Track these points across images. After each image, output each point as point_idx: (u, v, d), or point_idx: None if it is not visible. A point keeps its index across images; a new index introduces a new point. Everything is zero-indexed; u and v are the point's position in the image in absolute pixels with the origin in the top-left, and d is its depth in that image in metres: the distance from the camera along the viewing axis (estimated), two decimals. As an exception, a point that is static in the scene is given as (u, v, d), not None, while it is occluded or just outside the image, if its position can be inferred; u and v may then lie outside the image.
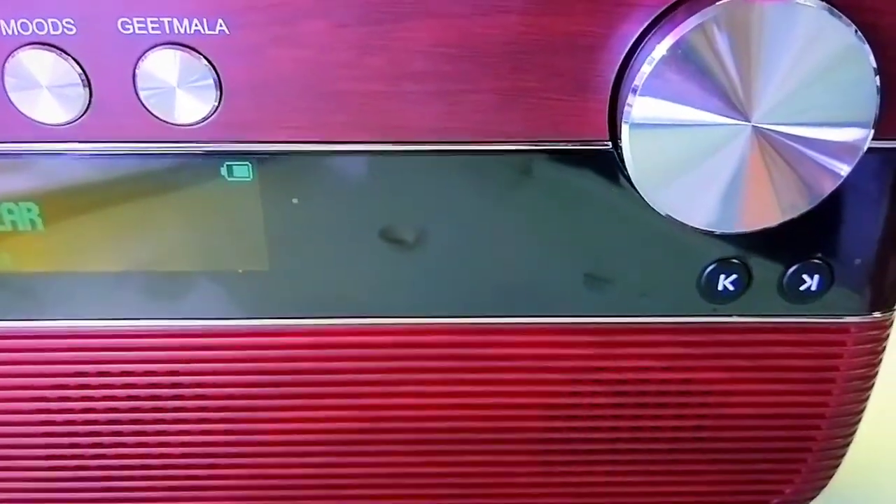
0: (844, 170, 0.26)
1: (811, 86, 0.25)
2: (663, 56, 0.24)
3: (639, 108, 0.25)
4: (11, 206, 0.28)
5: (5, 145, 0.27)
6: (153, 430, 0.32)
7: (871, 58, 0.25)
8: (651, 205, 0.27)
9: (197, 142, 0.27)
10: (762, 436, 0.32)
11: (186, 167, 0.27)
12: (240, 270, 0.29)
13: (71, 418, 0.31)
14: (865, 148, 0.25)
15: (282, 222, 0.28)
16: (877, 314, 0.30)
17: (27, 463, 0.32)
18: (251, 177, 0.27)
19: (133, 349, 0.30)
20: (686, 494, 0.33)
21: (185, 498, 0.33)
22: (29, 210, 0.28)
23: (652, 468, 0.33)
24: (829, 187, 0.26)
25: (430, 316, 0.30)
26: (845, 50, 0.24)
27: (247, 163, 0.27)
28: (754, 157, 0.25)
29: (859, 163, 0.26)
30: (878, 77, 0.25)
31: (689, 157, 0.25)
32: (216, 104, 0.26)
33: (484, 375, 0.31)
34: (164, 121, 0.26)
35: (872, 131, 0.25)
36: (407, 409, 0.31)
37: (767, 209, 0.26)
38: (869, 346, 0.31)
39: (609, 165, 0.27)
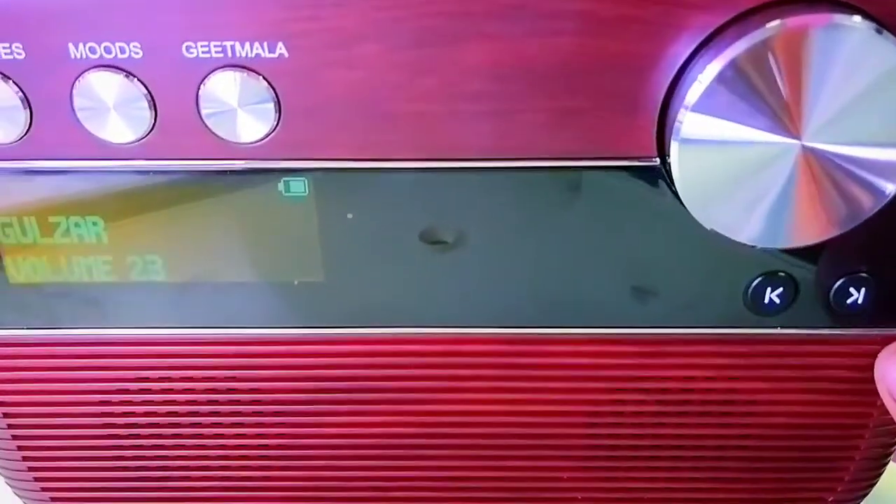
0: (890, 189, 0.26)
1: (860, 106, 0.25)
2: (714, 76, 0.25)
3: (688, 125, 0.25)
4: (78, 219, 0.29)
5: (74, 163, 0.28)
6: (211, 433, 0.33)
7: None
8: (698, 220, 0.27)
9: (255, 159, 0.28)
10: (805, 445, 0.33)
11: (245, 183, 0.28)
12: (295, 282, 0.30)
13: (133, 421, 0.33)
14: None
15: (336, 235, 0.29)
16: (923, 325, 0.31)
17: (91, 464, 0.34)
18: (307, 192, 0.28)
19: (192, 356, 0.31)
20: (728, 501, 0.34)
21: (240, 498, 0.34)
22: (94, 224, 0.29)
23: (694, 475, 0.33)
24: (875, 206, 0.26)
25: (479, 326, 0.31)
26: (894, 70, 0.25)
27: (303, 179, 0.28)
28: (802, 175, 0.25)
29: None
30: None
31: (737, 175, 0.26)
32: (275, 124, 0.27)
33: (530, 384, 0.31)
34: (226, 140, 0.27)
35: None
36: (455, 416, 0.32)
37: (813, 226, 0.26)
38: (914, 357, 0.31)
39: (657, 181, 0.27)
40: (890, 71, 0.25)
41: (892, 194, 0.26)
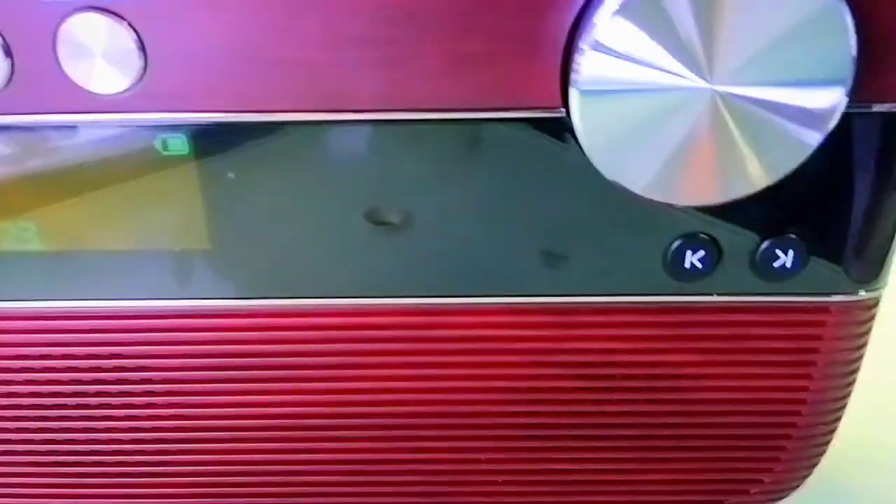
0: (815, 138, 0.24)
1: (780, 45, 0.22)
2: (615, 12, 0.22)
3: (588, 69, 0.23)
4: (-62, 183, 0.27)
5: (-73, 118, 0.25)
6: (100, 415, 0.31)
7: (848, 15, 0.23)
8: (605, 175, 0.25)
9: (126, 112, 0.25)
10: (738, 422, 0.30)
11: (118, 141, 0.26)
12: (178, 249, 0.27)
13: (15, 402, 0.30)
14: (838, 115, 0.23)
15: (222, 198, 0.27)
16: (862, 293, 0.28)
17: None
18: (188, 150, 0.26)
19: (73, 331, 0.29)
20: (658, 483, 0.32)
21: (137, 484, 0.32)
22: (-41, 187, 0.27)
23: (622, 455, 0.31)
24: (797, 159, 0.24)
25: (380, 296, 0.28)
26: (820, 6, 0.22)
27: (181, 135, 0.26)
28: (715, 123, 0.23)
29: (835, 129, 0.24)
30: (855, 35, 0.23)
31: (644, 124, 0.23)
32: (141, 72, 0.24)
33: (440, 358, 0.29)
34: (89, 91, 0.25)
35: (847, 96, 0.23)
36: (359, 394, 0.30)
37: (729, 182, 0.24)
38: (852, 327, 0.29)
39: (563, 134, 0.25)
40: (815, 6, 0.22)
41: (816, 145, 0.24)
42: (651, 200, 0.25)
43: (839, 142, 0.25)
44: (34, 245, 0.28)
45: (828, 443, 0.32)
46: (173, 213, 0.27)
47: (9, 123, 0.25)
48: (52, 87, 0.24)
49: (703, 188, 0.24)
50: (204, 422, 0.30)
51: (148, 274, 0.28)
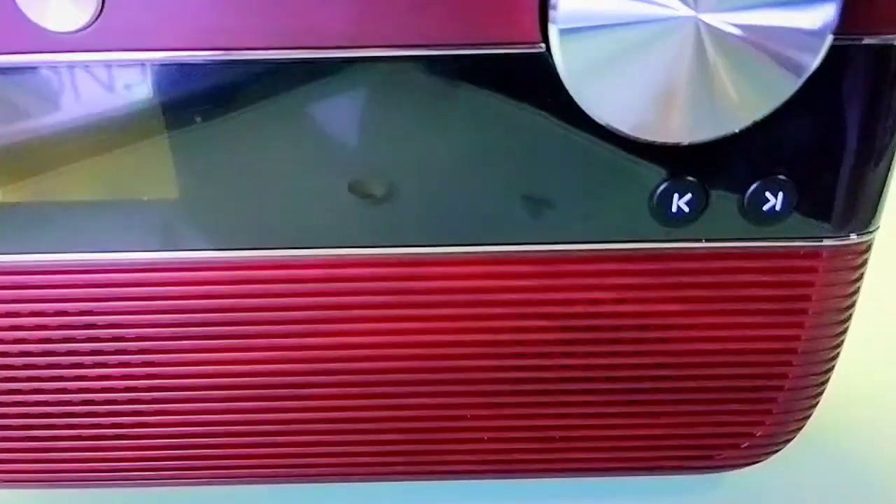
0: (808, 62, 0.23)
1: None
2: (595, -63, 0.21)
3: (567, 2, 0.22)
4: None
5: None
6: (72, 374, 0.30)
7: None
8: (590, 115, 0.24)
9: (85, 51, 0.24)
10: (728, 373, 0.30)
11: (79, 82, 0.25)
12: (145, 198, 0.26)
13: (-18, 363, 0.30)
14: (829, 37, 0.22)
15: (190, 144, 0.26)
16: (853, 236, 0.28)
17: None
18: (151, 93, 0.25)
19: (40, 287, 0.28)
20: (647, 437, 0.31)
21: (111, 447, 0.31)
22: (-85, 136, 0.26)
23: (609, 410, 0.30)
24: (790, 87, 0.23)
25: (358, 246, 0.27)
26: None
27: (144, 77, 0.25)
28: (701, 53, 0.22)
29: (824, 64, 0.23)
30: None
31: (627, 58, 0.22)
32: (99, 7, 0.23)
33: (420, 311, 0.28)
34: (45, 28, 0.23)
35: (838, 16, 0.22)
36: (338, 349, 0.29)
37: (719, 116, 0.23)
38: (844, 272, 0.28)
39: (544, 71, 0.24)
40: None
41: (810, 70, 0.23)
42: (636, 140, 0.24)
43: (829, 77, 0.24)
44: (-4, 197, 0.27)
45: (821, 394, 0.31)
46: (140, 161, 0.26)
47: (-38, 65, 0.24)
48: (7, 25, 0.23)
49: (691, 124, 0.23)
50: (179, 380, 0.30)
51: (116, 226, 0.27)
